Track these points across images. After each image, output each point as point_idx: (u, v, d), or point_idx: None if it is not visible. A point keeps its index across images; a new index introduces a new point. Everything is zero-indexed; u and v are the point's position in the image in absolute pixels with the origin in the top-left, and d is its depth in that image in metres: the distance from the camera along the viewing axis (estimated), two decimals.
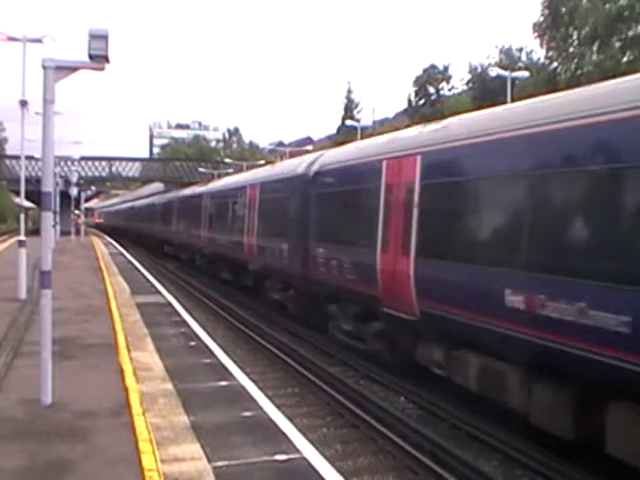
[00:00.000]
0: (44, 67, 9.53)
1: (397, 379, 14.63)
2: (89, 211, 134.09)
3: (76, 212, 79.36)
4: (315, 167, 19.51)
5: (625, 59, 41.96)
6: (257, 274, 25.44)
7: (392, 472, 10.34)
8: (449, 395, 12.78)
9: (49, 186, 9.75)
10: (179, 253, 44.91)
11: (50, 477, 7.16)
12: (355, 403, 13.23)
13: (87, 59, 9.49)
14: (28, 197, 54.64)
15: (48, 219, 9.84)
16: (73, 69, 9.72)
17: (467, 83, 57.94)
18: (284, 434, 8.63)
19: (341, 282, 16.63)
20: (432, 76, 63.97)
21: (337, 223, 17.61)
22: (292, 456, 7.85)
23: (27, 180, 26.26)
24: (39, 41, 21.97)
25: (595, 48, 43.48)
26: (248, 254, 25.73)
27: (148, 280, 28.08)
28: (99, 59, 9.49)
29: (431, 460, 10.38)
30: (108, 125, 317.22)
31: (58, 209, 51.82)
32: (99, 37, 9.41)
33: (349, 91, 78.64)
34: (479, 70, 55.10)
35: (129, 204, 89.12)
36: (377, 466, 10.56)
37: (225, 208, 31.52)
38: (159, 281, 28.38)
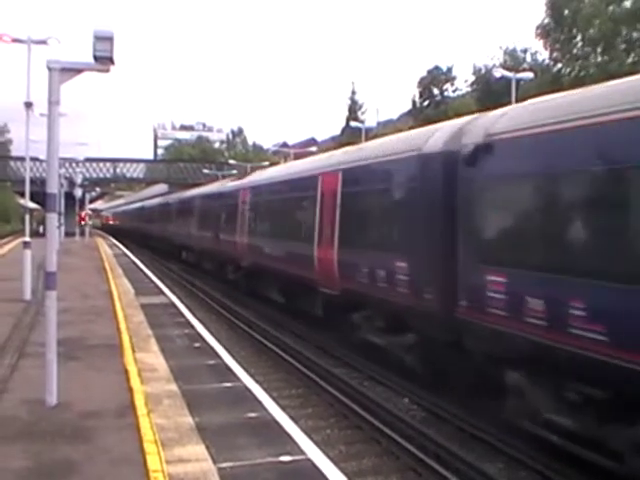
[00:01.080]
0: (49, 69, 9.55)
1: (401, 381, 14.61)
2: (94, 212, 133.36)
3: (86, 211, 79.25)
4: (473, 138, 11.97)
5: (630, 60, 42.02)
6: (334, 301, 18.04)
7: (396, 473, 10.36)
8: (453, 397, 12.76)
9: (54, 187, 9.76)
10: (202, 262, 38.20)
11: (55, 477, 7.18)
12: (359, 404, 13.23)
13: (92, 61, 9.53)
14: (32, 198, 54.68)
15: (53, 220, 9.86)
16: (78, 71, 9.75)
17: (471, 84, 57.91)
18: (289, 435, 8.63)
19: (562, 340, 9.35)
20: (436, 77, 63.92)
21: (547, 232, 10.21)
22: (297, 457, 7.84)
23: (32, 181, 26.31)
24: (44, 43, 22.04)
25: (599, 50, 43.54)
26: (320, 272, 18.52)
27: (152, 281, 28.11)
28: (104, 61, 9.51)
29: (435, 462, 10.37)
30: (112, 126, 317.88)
31: (63, 210, 51.80)
32: (104, 39, 9.43)
33: (353, 92, 78.76)
34: (483, 71, 55.05)
35: (139, 204, 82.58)
36: (381, 467, 10.58)
37: (278, 207, 23.98)
38: (163, 282, 28.39)
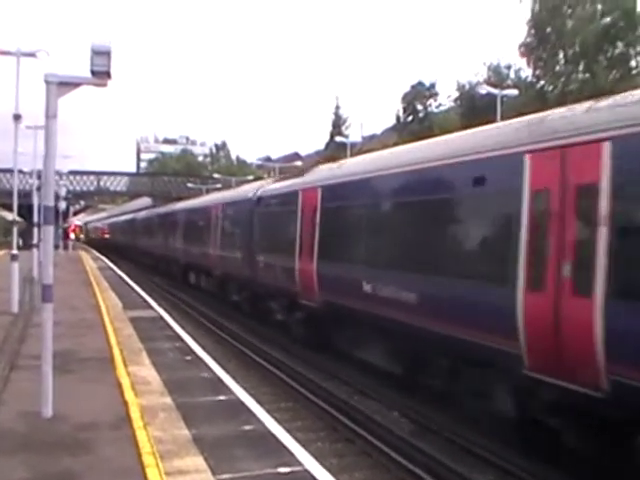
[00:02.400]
0: (47, 82, 9.64)
1: (390, 394, 14.68)
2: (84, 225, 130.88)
3: (76, 222, 77.87)
4: None
5: (611, 77, 42.60)
6: (591, 407, 9.09)
7: None
8: (442, 410, 12.84)
9: (51, 200, 9.83)
10: (226, 291, 28.52)
11: None
12: (349, 417, 13.28)
13: (85, 74, 9.65)
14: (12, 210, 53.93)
15: (50, 232, 9.92)
16: (76, 85, 9.84)
17: (455, 100, 58.38)
18: (285, 447, 8.72)
19: None
20: (420, 93, 64.33)
21: None
22: (295, 469, 7.93)
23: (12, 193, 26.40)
24: (33, 55, 22.04)
25: (581, 67, 44.13)
26: (540, 342, 9.76)
27: (139, 294, 28.04)
28: (101, 75, 9.62)
29: (427, 473, 10.44)
30: (95, 139, 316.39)
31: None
32: (102, 53, 9.55)
33: (337, 107, 79.07)
34: (467, 87, 55.54)
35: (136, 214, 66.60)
36: None
37: (396, 216, 14.80)
38: (150, 295, 28.34)
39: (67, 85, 9.77)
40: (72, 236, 78.18)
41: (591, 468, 9.44)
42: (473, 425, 11.79)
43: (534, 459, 10.41)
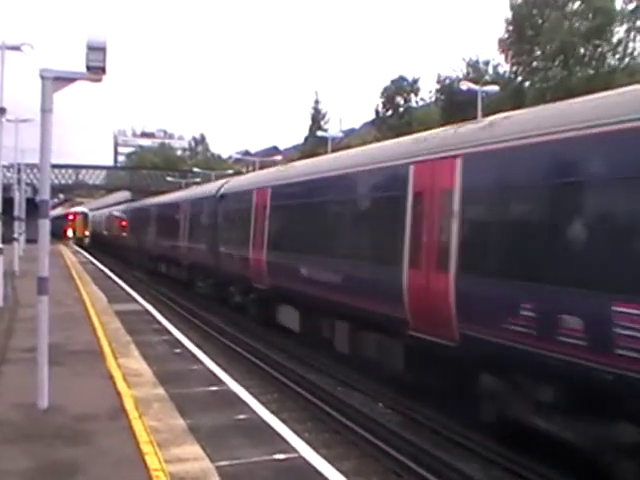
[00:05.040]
0: (42, 77, 9.73)
1: (375, 385, 14.90)
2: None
3: (78, 209, 73.97)
4: None
5: (586, 74, 43.05)
6: None
7: (377, 475, 10.61)
8: (426, 401, 13.06)
9: (46, 194, 9.93)
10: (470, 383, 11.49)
11: (61, 477, 7.39)
12: (335, 409, 13.48)
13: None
14: None
15: (45, 226, 10.03)
16: (71, 80, 9.94)
17: (435, 93, 58.53)
18: (279, 435, 8.94)
19: None
20: (400, 87, 64.39)
21: None
22: (290, 455, 8.15)
23: None
24: (17, 49, 21.98)
25: (557, 63, 44.46)
26: None
27: (122, 288, 28.07)
28: (96, 70, 9.72)
29: (414, 463, 10.66)
30: (72, 132, 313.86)
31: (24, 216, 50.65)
32: (97, 49, 9.65)
33: (316, 101, 78.85)
34: (447, 82, 55.77)
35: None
36: (362, 469, 10.78)
37: None
38: (134, 289, 28.35)
39: (62, 80, 9.86)
40: (70, 233, 74.47)
41: (570, 458, 9.71)
42: (456, 417, 12.02)
43: (516, 449, 10.64)
